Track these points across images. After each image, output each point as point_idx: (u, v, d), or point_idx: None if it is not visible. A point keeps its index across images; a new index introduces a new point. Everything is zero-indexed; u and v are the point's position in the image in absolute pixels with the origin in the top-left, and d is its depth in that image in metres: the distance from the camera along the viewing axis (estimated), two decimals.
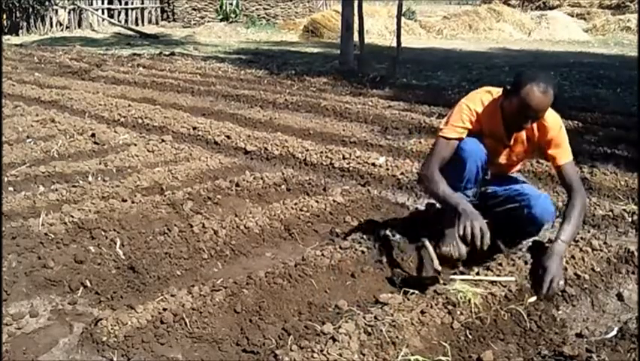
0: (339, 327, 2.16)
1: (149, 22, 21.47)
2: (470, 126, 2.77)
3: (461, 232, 2.46)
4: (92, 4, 19.88)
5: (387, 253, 2.91)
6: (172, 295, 2.40)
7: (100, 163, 4.38)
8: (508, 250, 2.90)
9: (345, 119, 6.42)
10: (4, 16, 16.82)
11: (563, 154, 2.77)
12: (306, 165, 4.66)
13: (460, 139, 2.77)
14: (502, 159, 2.92)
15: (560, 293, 2.58)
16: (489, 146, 2.82)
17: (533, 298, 2.51)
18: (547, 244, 2.86)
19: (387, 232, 3.03)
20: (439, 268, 2.64)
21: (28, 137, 5.13)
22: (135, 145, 4.91)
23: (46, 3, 18.05)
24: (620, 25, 19.60)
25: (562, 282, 2.57)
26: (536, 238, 3.01)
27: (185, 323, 2.28)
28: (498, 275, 2.61)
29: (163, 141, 5.07)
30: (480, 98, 2.79)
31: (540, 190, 3.29)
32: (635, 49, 14.43)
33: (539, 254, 2.71)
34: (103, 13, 20.07)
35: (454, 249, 2.87)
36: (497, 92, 2.79)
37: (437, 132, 2.87)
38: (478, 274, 2.63)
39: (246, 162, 4.72)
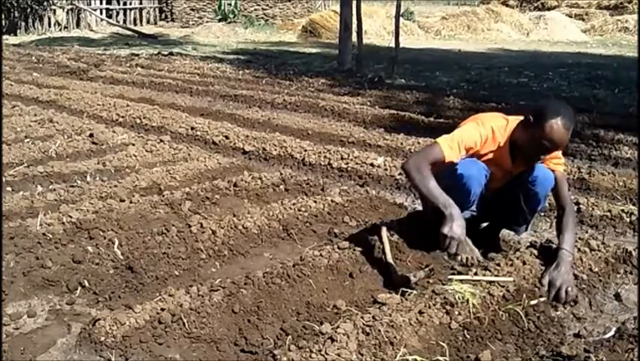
0: (338, 327, 2.16)
1: (148, 22, 21.46)
2: (469, 153, 2.75)
3: (445, 234, 2.45)
4: (90, 4, 19.85)
5: (385, 254, 2.90)
6: (170, 296, 2.39)
7: (98, 163, 4.38)
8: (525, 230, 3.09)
9: (344, 119, 6.43)
10: (3, 16, 16.79)
11: (557, 164, 2.83)
12: (305, 165, 4.66)
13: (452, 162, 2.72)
14: (501, 181, 2.92)
15: (573, 301, 2.58)
16: (494, 173, 2.83)
17: (534, 302, 2.51)
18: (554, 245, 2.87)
19: (385, 233, 3.03)
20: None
21: (26, 137, 5.12)
22: (133, 145, 4.91)
23: (45, 3, 18.02)
24: (618, 25, 19.64)
25: (574, 290, 2.58)
26: (550, 244, 3.00)
27: (183, 323, 2.28)
28: (496, 275, 2.61)
29: (161, 141, 5.06)
30: (491, 127, 2.75)
31: None
32: (633, 49, 14.48)
33: (548, 262, 2.72)
34: (101, 13, 20.04)
35: (469, 254, 2.89)
36: (512, 120, 2.77)
37: (441, 138, 2.73)
38: (476, 274, 2.63)
39: (245, 162, 4.71)
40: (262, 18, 22.05)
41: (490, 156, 2.79)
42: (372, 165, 4.47)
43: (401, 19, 12.04)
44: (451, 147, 2.66)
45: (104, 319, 2.24)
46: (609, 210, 3.60)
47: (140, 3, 21.25)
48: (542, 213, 3.54)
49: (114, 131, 5.33)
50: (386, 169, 4.38)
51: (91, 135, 5.15)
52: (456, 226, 2.46)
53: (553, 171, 2.79)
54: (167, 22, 21.84)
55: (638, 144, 5.21)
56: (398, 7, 10.78)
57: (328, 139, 5.43)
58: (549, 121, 2.55)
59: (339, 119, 6.45)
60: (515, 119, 2.78)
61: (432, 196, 2.57)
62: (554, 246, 2.85)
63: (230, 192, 3.85)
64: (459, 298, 2.39)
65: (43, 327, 2.36)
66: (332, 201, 3.62)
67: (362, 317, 2.24)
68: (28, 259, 2.75)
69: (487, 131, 2.75)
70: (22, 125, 5.48)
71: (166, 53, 12.96)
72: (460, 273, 2.73)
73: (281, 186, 4.02)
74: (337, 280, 2.70)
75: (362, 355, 2.06)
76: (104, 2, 20.14)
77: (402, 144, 5.12)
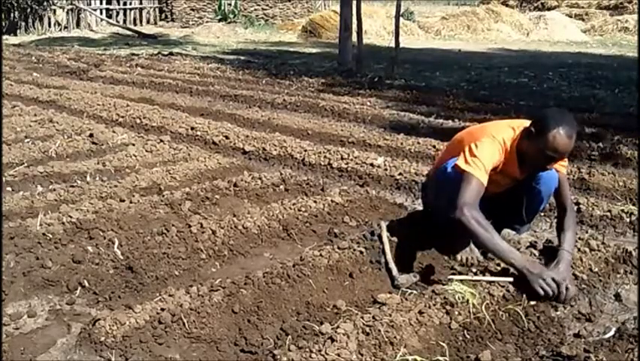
0: (338, 327, 2.16)
1: (148, 22, 21.45)
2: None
3: (542, 293, 2.45)
4: (90, 4, 19.84)
5: (384, 254, 2.90)
6: (170, 296, 2.39)
7: (98, 163, 4.38)
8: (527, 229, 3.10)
9: (344, 119, 6.43)
10: (3, 16, 16.78)
11: (561, 165, 2.84)
12: (305, 165, 4.66)
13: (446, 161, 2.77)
14: (507, 187, 2.92)
15: (573, 300, 2.57)
16: (497, 180, 2.80)
17: (534, 302, 2.51)
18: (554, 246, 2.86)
19: (385, 233, 3.03)
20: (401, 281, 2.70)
21: (26, 137, 5.12)
22: (133, 145, 4.91)
23: (45, 3, 18.02)
24: (618, 25, 19.63)
25: (573, 290, 2.57)
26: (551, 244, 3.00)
27: (183, 323, 2.28)
28: (496, 276, 2.61)
29: (161, 141, 5.06)
30: (503, 138, 2.74)
31: None
32: (633, 49, 14.48)
33: (548, 262, 2.72)
34: (101, 13, 20.04)
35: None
36: (518, 128, 2.76)
37: (466, 164, 2.65)
38: (476, 274, 2.63)
39: (245, 162, 4.71)
40: (262, 18, 22.05)
41: (501, 166, 2.79)
42: (372, 165, 4.47)
43: (401, 19, 12.04)
44: (487, 172, 2.64)
45: (104, 319, 2.24)
46: (609, 210, 3.60)
47: (140, 3, 21.25)
48: (542, 213, 3.54)
49: (114, 131, 5.33)
50: (386, 169, 4.38)
51: (91, 135, 5.15)
52: (545, 274, 2.47)
53: (557, 171, 2.80)
54: (167, 22, 21.83)
55: (638, 144, 5.21)
56: (398, 7, 10.77)
57: (328, 139, 5.43)
58: (551, 132, 2.55)
59: (339, 119, 6.45)
60: (521, 127, 2.76)
61: (500, 256, 2.56)
62: (554, 246, 2.85)
63: (230, 192, 3.85)
64: (459, 298, 2.39)
65: (43, 327, 2.36)
66: (332, 201, 3.62)
67: (362, 317, 2.24)
68: (28, 259, 2.75)
69: (501, 145, 2.74)
70: (22, 125, 5.48)
71: (166, 53, 12.95)
72: (460, 273, 2.74)
73: (281, 186, 4.02)
74: (337, 280, 2.70)
75: (362, 355, 2.06)
76: (104, 2, 20.13)
77: (402, 144, 5.12)
